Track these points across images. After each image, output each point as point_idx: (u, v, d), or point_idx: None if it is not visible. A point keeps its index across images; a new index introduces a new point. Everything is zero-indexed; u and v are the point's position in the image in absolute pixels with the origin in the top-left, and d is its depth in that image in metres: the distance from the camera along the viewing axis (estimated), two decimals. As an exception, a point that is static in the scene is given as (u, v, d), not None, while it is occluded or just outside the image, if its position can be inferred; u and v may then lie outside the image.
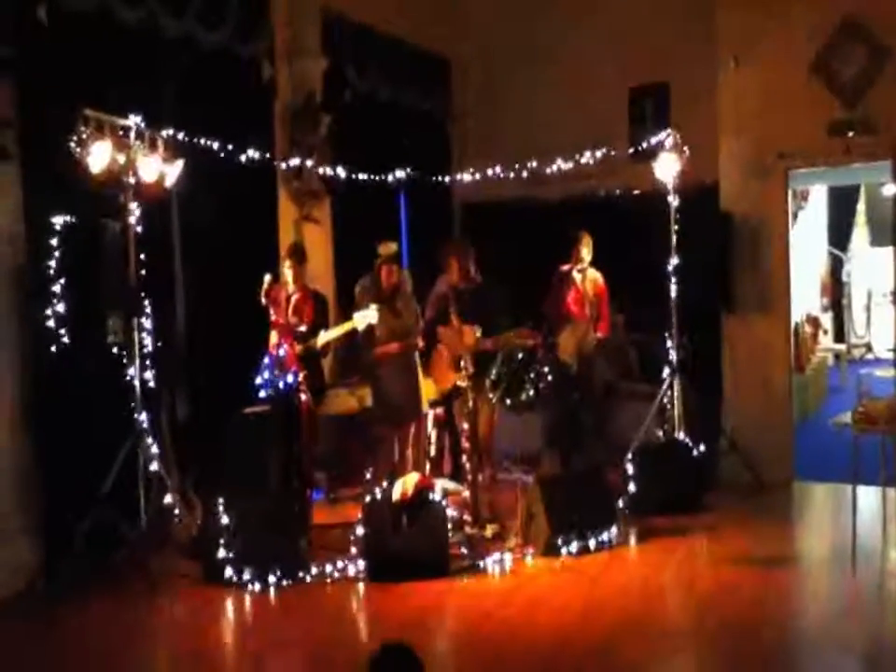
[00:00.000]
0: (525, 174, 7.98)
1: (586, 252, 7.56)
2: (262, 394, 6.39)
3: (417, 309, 6.92)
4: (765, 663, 4.70)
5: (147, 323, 6.12)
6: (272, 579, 5.65)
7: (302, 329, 6.48)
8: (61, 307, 5.84)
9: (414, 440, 7.00)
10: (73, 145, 5.75)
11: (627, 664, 4.74)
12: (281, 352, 6.35)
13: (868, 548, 6.09)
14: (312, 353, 6.49)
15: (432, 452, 7.89)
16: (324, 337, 6.49)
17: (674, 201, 7.61)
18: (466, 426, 6.46)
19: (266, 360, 6.41)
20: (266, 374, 6.36)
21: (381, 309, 6.51)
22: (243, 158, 6.65)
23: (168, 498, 6.04)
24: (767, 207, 8.27)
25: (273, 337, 6.49)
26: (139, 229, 6.13)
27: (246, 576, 5.62)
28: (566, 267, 7.63)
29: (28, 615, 5.43)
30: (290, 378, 6.31)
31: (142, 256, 6.14)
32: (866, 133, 7.73)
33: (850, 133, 7.80)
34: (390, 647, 3.18)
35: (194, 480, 6.55)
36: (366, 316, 6.45)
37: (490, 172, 7.92)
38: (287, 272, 6.58)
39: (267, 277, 6.47)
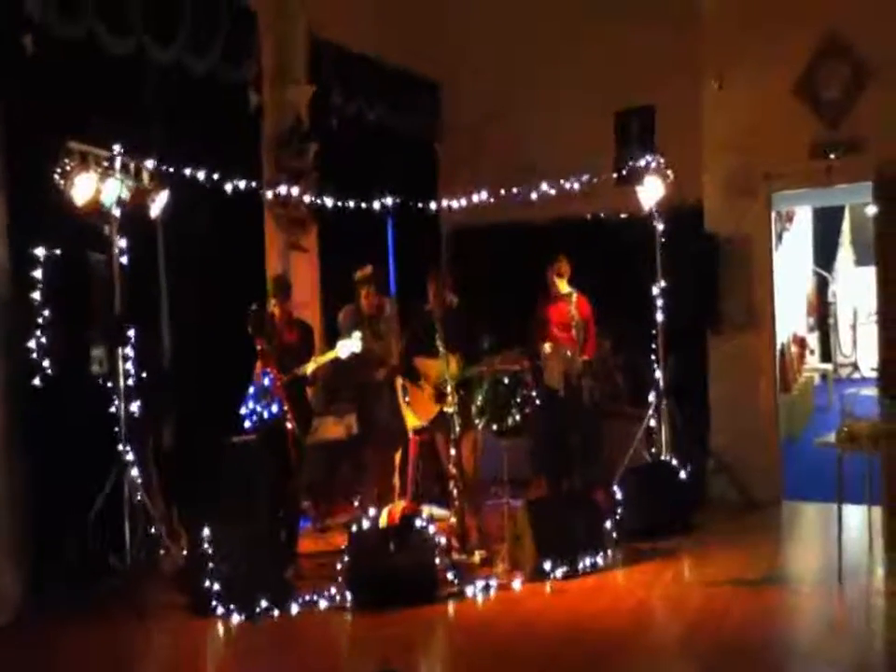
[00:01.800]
0: (511, 198, 8.01)
1: (557, 277, 7.58)
2: (247, 424, 6.39)
3: (394, 335, 6.95)
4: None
5: (132, 353, 6.12)
6: (258, 609, 5.62)
7: (288, 358, 6.48)
8: (45, 338, 5.84)
9: (400, 466, 7.00)
10: (57, 176, 5.77)
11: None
12: (266, 381, 6.36)
13: (854, 565, 6.12)
14: (298, 382, 6.50)
15: (419, 478, 7.88)
16: (310, 366, 6.52)
17: (659, 223, 7.65)
18: (452, 451, 6.47)
19: (251, 390, 6.42)
20: (251, 404, 6.37)
21: (364, 334, 6.54)
22: (229, 186, 6.67)
23: (154, 529, 6.02)
24: (752, 228, 8.33)
25: (258, 367, 6.50)
26: (124, 260, 6.13)
27: (232, 606, 5.59)
28: (549, 292, 7.67)
29: (13, 645, 5.39)
30: (275, 407, 6.31)
31: (127, 286, 6.14)
32: (848, 154, 7.80)
33: (832, 155, 7.87)
34: None
35: (180, 509, 6.54)
36: (348, 345, 6.49)
37: (476, 197, 7.94)
38: (274, 310, 6.63)
39: (253, 307, 6.50)
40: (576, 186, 7.73)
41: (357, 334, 6.51)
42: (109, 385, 6.10)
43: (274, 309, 6.66)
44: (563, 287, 7.66)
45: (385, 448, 6.88)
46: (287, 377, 6.39)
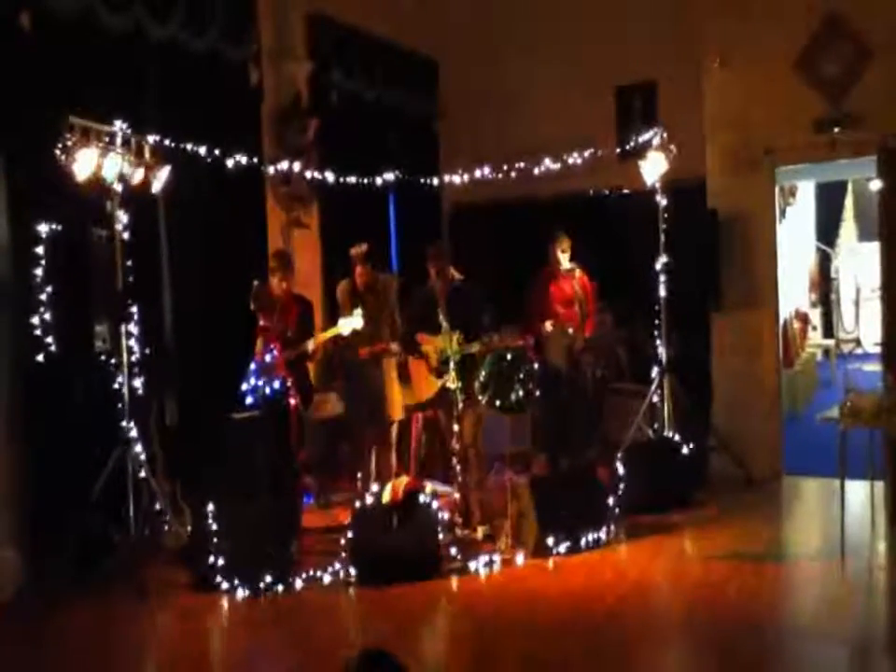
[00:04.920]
0: (513, 174, 8.00)
1: (560, 253, 7.57)
2: (249, 400, 6.39)
3: (396, 314, 6.95)
4: (755, 655, 4.72)
5: (135, 330, 6.12)
6: (262, 584, 5.63)
7: (289, 334, 6.49)
8: (48, 315, 5.84)
9: (399, 442, 7.00)
10: (58, 152, 5.75)
11: (618, 659, 4.76)
12: (268, 358, 6.36)
13: (856, 541, 6.14)
14: (301, 357, 6.51)
15: (422, 454, 7.90)
16: (312, 342, 6.51)
17: (662, 199, 7.63)
18: (455, 428, 6.48)
19: (252, 367, 6.42)
20: (252, 381, 6.38)
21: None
22: (230, 163, 6.65)
23: (157, 505, 6.04)
24: (754, 204, 8.31)
25: (259, 343, 6.50)
26: (126, 235, 6.12)
27: (236, 582, 5.61)
28: (548, 269, 7.65)
29: (17, 624, 5.41)
30: (277, 384, 6.32)
31: (129, 262, 6.14)
32: (852, 128, 7.77)
33: (836, 130, 7.83)
34: (368, 653, 3.15)
35: (183, 486, 6.56)
36: (351, 323, 6.49)
37: (478, 173, 7.93)
38: (278, 283, 6.59)
39: (255, 283, 6.48)
40: (578, 161, 7.72)
41: (358, 311, 6.51)
42: (112, 361, 6.10)
43: (276, 284, 6.62)
44: (565, 263, 7.65)
45: (372, 426, 6.85)
46: (289, 352, 6.39)
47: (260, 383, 6.37)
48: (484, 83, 9.88)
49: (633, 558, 6.24)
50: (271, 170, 7.60)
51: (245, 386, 6.39)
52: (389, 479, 6.30)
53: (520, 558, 6.09)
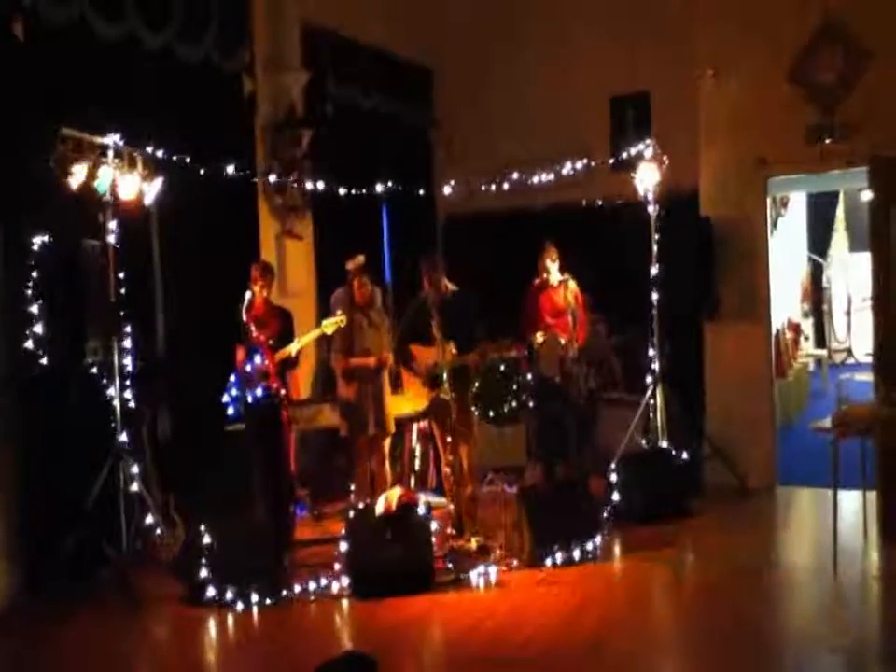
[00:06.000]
0: (506, 184, 8.02)
1: (550, 263, 7.56)
2: (230, 411, 6.37)
3: (387, 323, 6.97)
4: (749, 665, 4.72)
5: (127, 342, 6.11)
6: (254, 597, 5.61)
7: (270, 342, 6.47)
8: (39, 328, 5.83)
9: (393, 454, 7.00)
10: (51, 163, 5.74)
11: (613, 670, 4.75)
12: (248, 368, 6.35)
13: (849, 550, 6.14)
14: (285, 363, 6.50)
15: (417, 465, 7.89)
16: (296, 345, 6.50)
17: (655, 209, 7.64)
18: (449, 439, 6.47)
19: (233, 378, 6.40)
20: (233, 391, 6.36)
21: (357, 320, 6.53)
22: (223, 173, 6.64)
23: (150, 518, 6.01)
24: (747, 214, 8.32)
25: (241, 353, 6.47)
26: (119, 247, 6.10)
27: (229, 595, 5.59)
28: (538, 280, 7.65)
29: (10, 636, 5.39)
30: (259, 391, 6.30)
31: (122, 274, 6.13)
32: (843, 138, 7.80)
33: (828, 140, 7.86)
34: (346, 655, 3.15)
35: (176, 498, 6.53)
36: (334, 321, 6.49)
37: (472, 183, 7.94)
38: (263, 291, 6.56)
39: (248, 294, 6.47)
40: (572, 172, 7.74)
41: (339, 311, 6.55)
42: (105, 373, 6.08)
43: (257, 293, 6.58)
44: (555, 273, 7.63)
45: (361, 436, 6.83)
46: (277, 357, 6.38)
47: (242, 394, 6.35)
48: (479, 94, 9.91)
49: (626, 569, 6.25)
50: (264, 181, 7.59)
51: (226, 398, 6.37)
52: (383, 490, 6.27)
53: (514, 569, 6.07)
